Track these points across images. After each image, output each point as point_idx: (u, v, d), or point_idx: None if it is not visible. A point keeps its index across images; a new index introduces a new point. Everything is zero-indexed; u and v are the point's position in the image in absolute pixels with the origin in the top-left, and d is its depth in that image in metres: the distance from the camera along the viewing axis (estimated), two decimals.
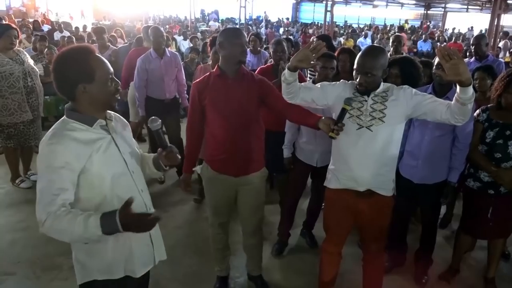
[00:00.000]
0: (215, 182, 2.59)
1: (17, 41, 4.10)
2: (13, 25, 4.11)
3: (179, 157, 1.82)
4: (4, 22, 5.12)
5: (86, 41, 8.34)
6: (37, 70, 4.33)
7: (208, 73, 2.54)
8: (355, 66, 2.18)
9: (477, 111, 2.79)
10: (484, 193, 2.78)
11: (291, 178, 3.40)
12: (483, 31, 15.26)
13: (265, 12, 30.17)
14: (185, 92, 4.67)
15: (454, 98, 2.00)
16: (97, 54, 1.61)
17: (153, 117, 1.82)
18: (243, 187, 2.58)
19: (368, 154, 2.22)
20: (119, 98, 1.68)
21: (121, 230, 1.41)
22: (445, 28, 25.97)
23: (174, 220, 3.88)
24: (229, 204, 2.67)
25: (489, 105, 2.78)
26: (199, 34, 14.37)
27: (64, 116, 1.61)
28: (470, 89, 1.92)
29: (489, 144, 2.70)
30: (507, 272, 3.28)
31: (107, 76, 1.59)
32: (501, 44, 11.52)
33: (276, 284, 3.01)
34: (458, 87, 1.94)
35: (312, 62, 2.10)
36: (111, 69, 1.63)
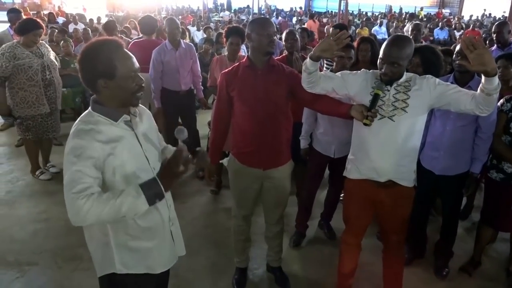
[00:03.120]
0: (241, 174, 2.57)
1: (40, 38, 4.14)
2: (42, 24, 4.14)
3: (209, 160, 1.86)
4: (23, 15, 5.13)
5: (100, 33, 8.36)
6: (56, 63, 4.36)
7: (237, 64, 2.51)
8: (381, 56, 2.13)
9: (501, 101, 2.72)
10: (507, 184, 2.73)
11: (308, 169, 3.38)
12: (502, 18, 14.88)
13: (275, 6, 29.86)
14: (200, 83, 4.66)
15: (479, 88, 1.96)
16: (124, 49, 1.59)
17: (180, 128, 1.78)
18: (269, 179, 2.56)
19: (390, 145, 2.19)
20: (141, 96, 1.64)
21: (164, 192, 1.51)
22: (461, 15, 25.41)
23: (192, 211, 3.90)
24: (254, 196, 2.66)
25: None
26: (212, 24, 14.32)
27: (90, 108, 1.61)
28: (496, 79, 1.87)
29: None
30: None
31: (129, 74, 1.56)
32: None
33: (295, 275, 3.01)
34: (483, 77, 1.89)
35: (335, 52, 2.06)
36: (136, 65, 1.59)
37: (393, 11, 26.17)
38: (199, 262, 3.13)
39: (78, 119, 1.60)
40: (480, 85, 1.93)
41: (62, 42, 6.35)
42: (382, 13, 24.71)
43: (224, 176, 4.10)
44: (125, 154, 1.58)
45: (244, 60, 2.48)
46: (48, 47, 4.36)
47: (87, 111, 1.62)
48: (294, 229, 3.47)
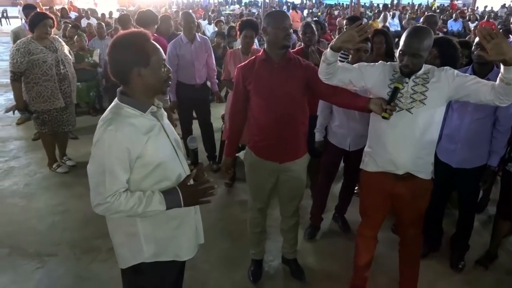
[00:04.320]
0: (258, 168, 2.58)
1: (52, 30, 4.17)
2: (49, 14, 4.16)
3: (206, 175, 1.93)
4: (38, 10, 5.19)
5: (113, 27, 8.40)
6: (70, 57, 4.40)
7: (253, 57, 2.51)
8: (401, 47, 2.11)
9: None
10: None
11: (323, 162, 3.38)
12: None
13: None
14: (215, 77, 4.67)
15: (498, 78, 1.93)
16: (152, 41, 1.62)
17: (192, 136, 1.90)
18: (285, 173, 2.57)
19: (408, 137, 2.18)
20: (170, 84, 1.70)
21: (182, 204, 1.64)
22: (476, 6, 25.00)
23: (206, 204, 3.92)
24: (270, 189, 2.67)
25: None
26: (222, 18, 14.30)
27: (117, 100, 1.63)
28: None
29: None
30: None
31: (161, 62, 1.61)
32: None
33: (310, 268, 3.02)
34: (502, 66, 1.87)
35: (358, 44, 2.05)
36: (164, 55, 1.65)
37: (401, 4, 25.76)
38: (215, 254, 3.16)
39: (107, 111, 1.62)
40: (500, 74, 1.91)
41: (76, 37, 6.41)
42: (385, 4, 24.20)
43: (238, 169, 4.13)
44: (155, 144, 1.61)
45: (260, 53, 2.48)
46: (62, 41, 4.40)
47: (114, 102, 1.64)
48: (309, 222, 3.48)
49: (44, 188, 4.22)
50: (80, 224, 3.51)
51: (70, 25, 7.26)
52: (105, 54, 6.70)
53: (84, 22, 10.43)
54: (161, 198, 1.59)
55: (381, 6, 21.86)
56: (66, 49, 4.36)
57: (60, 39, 4.41)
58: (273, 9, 12.51)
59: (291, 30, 2.45)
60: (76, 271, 2.97)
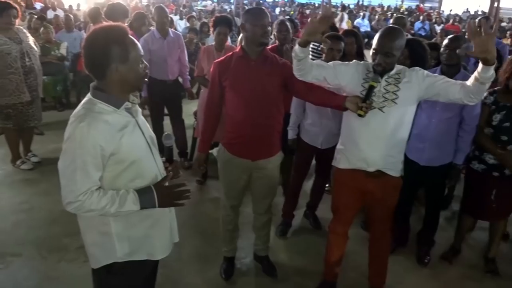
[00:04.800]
0: (231, 165, 2.57)
1: (16, 20, 4.00)
2: (13, 4, 3.99)
3: (181, 173, 1.91)
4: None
5: (83, 19, 8.19)
6: (36, 49, 4.24)
7: (230, 53, 2.50)
8: (374, 47, 2.16)
9: (484, 94, 2.78)
10: (488, 175, 2.81)
11: (295, 159, 3.42)
12: (480, 13, 15.22)
13: None
14: (187, 73, 4.62)
15: (473, 77, 2.00)
16: (131, 36, 1.59)
17: (168, 133, 1.88)
18: (259, 170, 2.57)
19: (379, 135, 2.23)
20: (146, 81, 1.68)
21: (157, 205, 1.61)
22: (441, 9, 25.83)
23: None
24: (243, 187, 2.67)
25: (496, 88, 2.78)
26: (194, 13, 14.15)
27: (90, 96, 1.58)
28: (492, 69, 1.92)
29: (496, 127, 2.72)
30: (507, 252, 3.35)
31: (139, 58, 1.59)
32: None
33: (281, 264, 3.04)
34: (480, 65, 1.93)
35: (322, 35, 2.05)
36: (142, 51, 1.62)
37: (371, 5, 26.32)
38: (187, 251, 3.13)
39: (79, 106, 1.57)
40: (475, 73, 1.97)
41: (42, 28, 6.19)
42: (343, 5, 24.38)
43: (210, 166, 4.11)
44: (130, 141, 1.57)
45: (237, 50, 2.47)
46: (27, 32, 4.24)
47: (87, 98, 1.59)
48: (281, 219, 3.50)
49: (7, 186, 4.06)
50: (46, 222, 3.40)
51: (35, 16, 7.00)
52: (73, 48, 6.62)
53: (50, 14, 10.08)
54: (135, 198, 1.56)
55: (351, 6, 22.27)
56: (31, 40, 4.20)
57: (25, 30, 4.25)
58: (247, 7, 12.48)
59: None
60: (42, 271, 2.88)
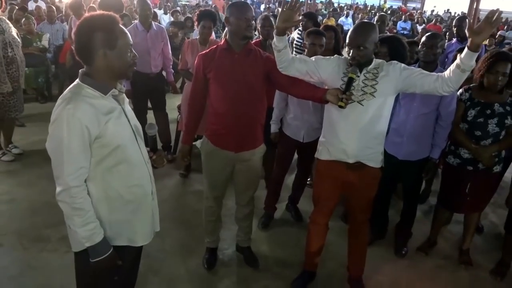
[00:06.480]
0: (214, 157, 2.61)
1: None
2: None
3: (166, 161, 1.94)
4: None
5: (64, 11, 8.07)
6: (18, 40, 4.19)
7: (215, 46, 2.53)
8: (347, 41, 2.23)
9: (460, 90, 2.89)
10: (463, 169, 2.91)
11: (278, 153, 3.47)
12: (459, 14, 15.54)
13: None
14: (171, 66, 4.62)
15: (454, 64, 2.07)
16: (121, 25, 1.63)
17: (151, 123, 1.90)
18: (241, 162, 2.61)
19: (358, 127, 2.30)
20: (134, 69, 1.71)
21: (94, 259, 1.63)
22: (423, 9, 26.25)
23: (160, 194, 3.80)
24: (226, 179, 2.71)
25: (471, 85, 2.88)
26: (178, 8, 14.06)
27: (78, 81, 1.61)
28: (475, 57, 1.99)
29: (470, 122, 2.82)
30: (481, 244, 3.47)
31: (128, 47, 1.62)
32: None
33: (263, 255, 3.10)
34: (465, 51, 1.99)
35: (296, 20, 2.14)
36: (131, 41, 1.65)
37: (356, 4, 26.62)
38: (170, 242, 3.16)
39: (67, 90, 1.60)
40: (457, 60, 2.04)
41: (23, 19, 6.09)
42: (348, 4, 25.06)
43: (193, 160, 4.13)
44: (115, 127, 1.60)
45: (222, 42, 2.51)
46: (9, 22, 4.19)
47: (75, 82, 1.62)
48: (263, 211, 3.55)
49: None
50: (28, 213, 3.38)
51: (16, 7, 6.88)
52: (55, 40, 6.54)
53: (31, 5, 9.89)
54: (95, 237, 1.60)
55: (336, 5, 22.44)
56: (14, 31, 4.15)
57: (6, 20, 4.19)
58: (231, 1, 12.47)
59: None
60: (23, 261, 2.87)
